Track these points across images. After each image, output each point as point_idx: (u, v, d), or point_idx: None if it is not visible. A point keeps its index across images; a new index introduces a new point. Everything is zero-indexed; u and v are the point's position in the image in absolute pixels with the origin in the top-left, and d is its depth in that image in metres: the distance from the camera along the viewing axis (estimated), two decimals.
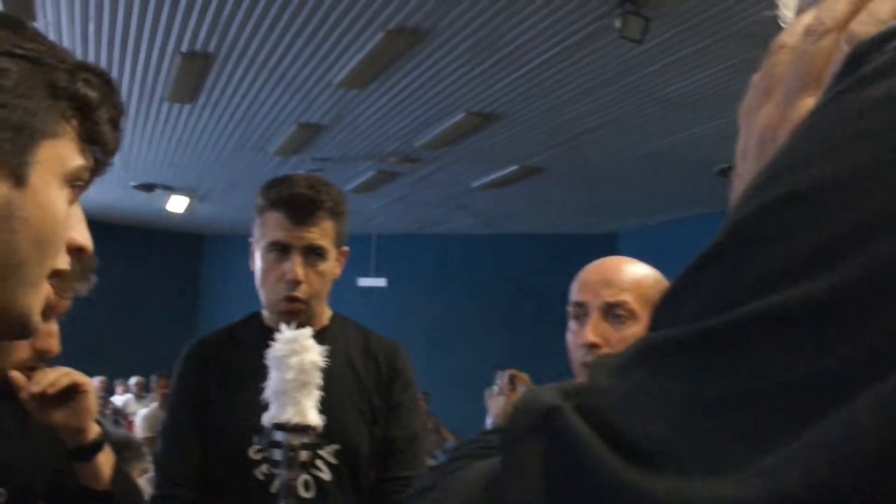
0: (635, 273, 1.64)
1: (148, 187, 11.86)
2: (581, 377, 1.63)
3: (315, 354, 1.49)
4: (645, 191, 10.41)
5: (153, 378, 9.96)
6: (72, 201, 0.86)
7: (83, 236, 0.87)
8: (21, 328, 0.83)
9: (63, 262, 0.86)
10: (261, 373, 1.91)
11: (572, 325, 1.67)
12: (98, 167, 0.88)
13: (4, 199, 0.77)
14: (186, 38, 6.50)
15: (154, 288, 15.36)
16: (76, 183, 0.85)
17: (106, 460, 1.59)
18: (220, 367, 1.97)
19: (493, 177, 9.95)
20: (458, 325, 13.42)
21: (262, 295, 1.96)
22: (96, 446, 1.57)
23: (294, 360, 1.46)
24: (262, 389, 1.85)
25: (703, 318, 0.35)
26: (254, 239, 2.01)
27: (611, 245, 13.61)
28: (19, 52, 0.79)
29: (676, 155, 8.59)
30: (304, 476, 1.80)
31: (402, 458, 1.94)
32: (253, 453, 1.85)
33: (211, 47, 6.67)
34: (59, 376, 1.49)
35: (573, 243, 13.46)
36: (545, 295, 13.38)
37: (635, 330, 1.58)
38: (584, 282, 1.66)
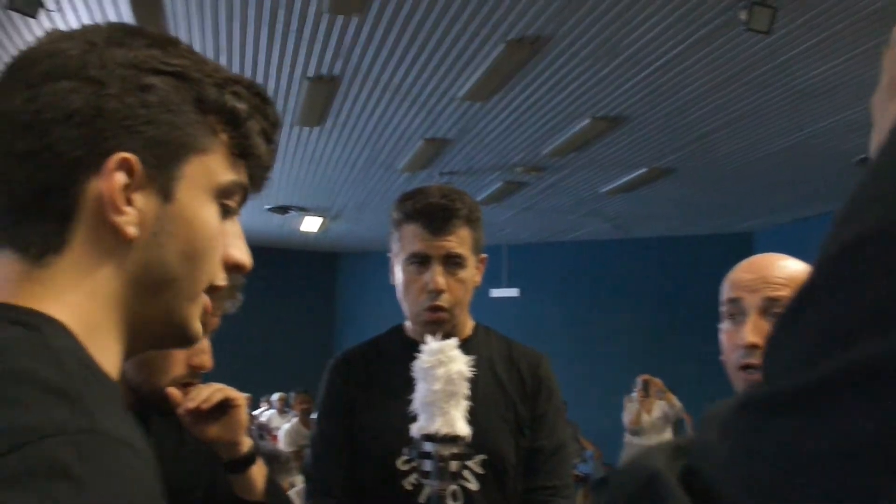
0: (791, 269, 1.58)
1: (282, 209, 12.21)
2: (737, 380, 1.58)
3: (461, 364, 1.50)
4: (780, 187, 10.08)
5: (291, 395, 10.20)
6: (227, 217, 0.86)
7: (241, 253, 0.88)
8: (182, 337, 0.86)
9: (220, 277, 0.87)
10: (406, 385, 1.94)
11: (726, 325, 1.61)
12: (254, 182, 0.88)
13: (155, 215, 0.79)
14: (312, 62, 6.67)
15: (291, 307, 15.79)
16: (229, 199, 0.86)
17: (259, 472, 1.64)
18: (366, 379, 2.01)
19: (622, 181, 9.83)
20: (592, 332, 13.27)
21: (405, 307, 1.98)
22: (249, 459, 1.62)
23: (441, 371, 1.47)
24: (407, 401, 1.88)
25: (797, 372, 0.34)
26: (392, 253, 2.04)
27: (747, 245, 13.20)
28: (166, 68, 0.80)
29: (811, 148, 8.29)
30: (453, 486, 1.81)
31: (549, 468, 1.93)
32: (401, 464, 1.88)
33: (336, 70, 6.82)
34: (212, 392, 1.55)
35: (707, 245, 13.14)
36: (680, 299, 13.13)
37: None
38: (739, 279, 1.60)
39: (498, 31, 5.94)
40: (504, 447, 1.89)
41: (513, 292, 13.75)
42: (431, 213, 1.91)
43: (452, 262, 1.92)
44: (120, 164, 0.76)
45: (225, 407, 1.56)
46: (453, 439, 1.45)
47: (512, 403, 1.94)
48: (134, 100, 0.78)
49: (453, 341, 1.56)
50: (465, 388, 1.50)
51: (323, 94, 7.30)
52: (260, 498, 1.63)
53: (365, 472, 1.95)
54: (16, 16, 5.64)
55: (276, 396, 10.76)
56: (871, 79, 6.58)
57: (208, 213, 0.83)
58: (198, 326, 0.87)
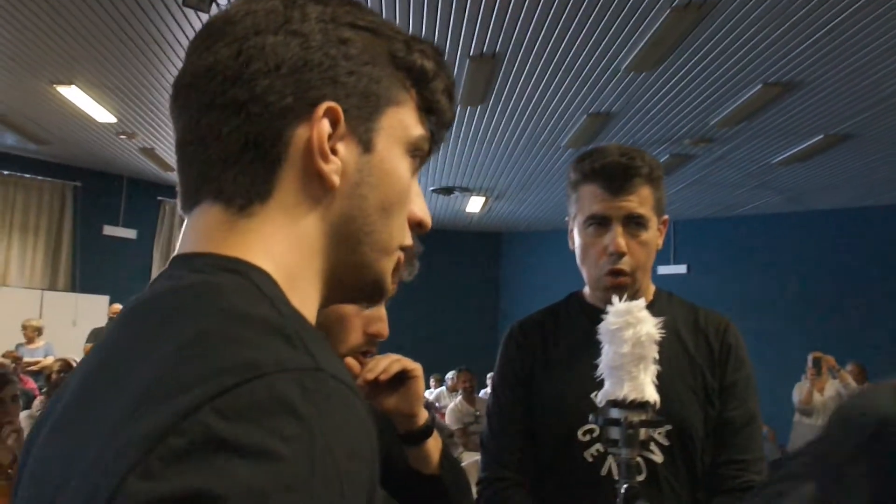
0: None
1: (447, 190, 12.32)
2: None
3: (650, 326, 1.44)
4: None
5: (452, 374, 10.29)
6: (413, 173, 0.87)
7: (423, 211, 0.87)
8: (375, 290, 0.87)
9: (408, 237, 0.88)
10: (585, 352, 1.88)
11: None
12: (435, 141, 0.89)
13: (356, 165, 0.80)
14: (473, 41, 6.67)
15: (456, 287, 15.95)
16: (416, 153, 0.86)
17: (435, 445, 1.63)
18: (544, 347, 1.96)
19: (796, 150, 9.38)
20: (763, 309, 12.77)
21: (585, 272, 1.92)
22: (426, 431, 1.61)
23: (629, 333, 1.41)
24: (587, 369, 1.83)
25: None
26: (570, 216, 1.98)
27: None
28: (361, 23, 0.82)
29: None
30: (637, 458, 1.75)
31: (739, 441, 1.83)
32: (581, 434, 1.83)
33: (498, 47, 6.80)
34: (390, 363, 1.54)
35: (889, 216, 12.42)
36: (859, 274, 12.46)
37: None
38: None
39: None
40: (691, 418, 1.80)
41: (680, 269, 13.41)
42: (611, 172, 1.83)
43: (634, 223, 1.84)
44: (326, 112, 0.78)
45: (402, 378, 1.55)
46: (642, 405, 1.39)
47: (699, 372, 1.85)
48: (336, 52, 0.80)
49: (641, 302, 1.50)
50: (654, 352, 1.43)
51: (485, 72, 7.29)
52: (435, 471, 1.61)
53: (543, 443, 1.90)
54: (190, 12, 5.88)
55: (450, 374, 10.89)
56: None
57: (403, 166, 0.85)
58: (389, 282, 0.88)
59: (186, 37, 6.72)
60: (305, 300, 0.78)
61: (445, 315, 15.58)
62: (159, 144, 10.52)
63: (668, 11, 5.96)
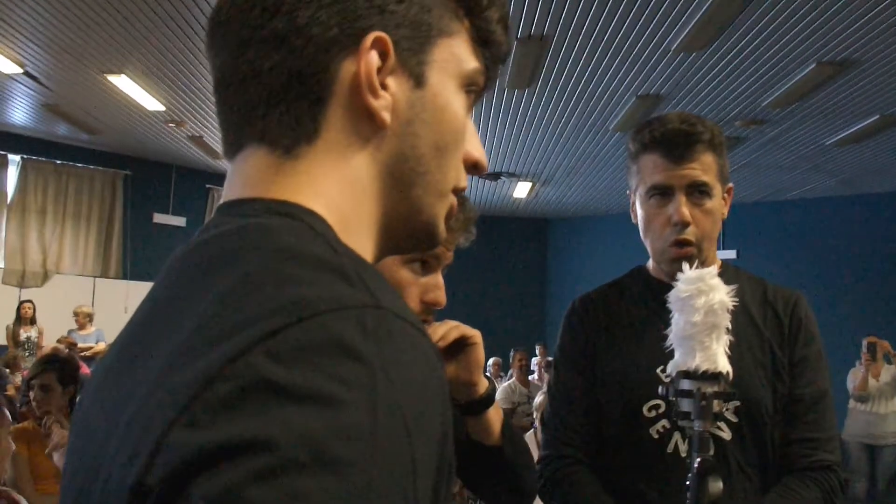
0: None
1: (494, 175, 12.27)
2: None
3: (723, 294, 1.39)
4: None
5: (510, 354, 10.26)
6: (468, 110, 0.82)
7: (478, 151, 0.83)
8: (429, 236, 0.81)
9: (463, 178, 0.83)
10: (650, 326, 1.84)
11: None
12: (489, 76, 0.83)
13: (407, 101, 0.75)
14: (521, 23, 6.60)
15: (504, 273, 15.92)
16: (471, 88, 0.81)
17: (496, 415, 1.59)
18: (607, 322, 1.91)
19: (850, 131, 9.18)
20: (816, 296, 12.53)
21: (649, 244, 1.87)
22: (487, 400, 1.57)
23: (700, 301, 1.37)
24: (652, 344, 1.79)
25: None
26: (631, 189, 1.93)
27: None
28: None
29: None
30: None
31: (810, 419, 1.77)
32: (647, 411, 1.79)
33: (545, 30, 6.73)
34: (448, 329, 1.50)
35: None
36: None
37: None
38: None
39: None
40: (761, 394, 1.75)
41: (730, 254, 13.22)
42: (671, 139, 1.78)
43: (697, 192, 1.78)
44: (374, 43, 0.73)
45: (462, 345, 1.51)
46: (714, 376, 1.34)
47: (769, 346, 1.80)
48: None
49: (713, 269, 1.45)
50: (726, 321, 1.38)
51: (533, 54, 7.22)
52: (496, 442, 1.58)
53: (607, 419, 1.87)
54: None
55: (491, 361, 10.88)
56: None
57: (458, 102, 0.79)
58: (443, 228, 0.82)
59: None
60: (359, 247, 0.73)
61: (492, 302, 15.54)
62: (207, 132, 10.59)
63: None
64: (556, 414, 1.96)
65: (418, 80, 0.75)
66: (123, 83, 8.51)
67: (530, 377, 10.12)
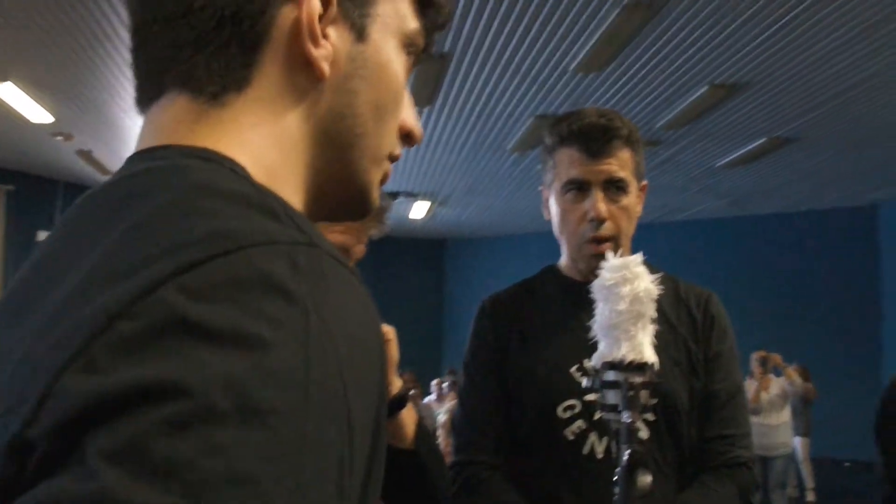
0: None
1: (391, 195, 12.22)
2: None
3: (648, 282, 1.35)
4: None
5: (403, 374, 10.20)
6: (407, 73, 0.76)
7: (413, 119, 0.77)
8: (360, 204, 0.76)
9: (398, 146, 0.77)
10: (564, 326, 1.80)
11: None
12: (427, 41, 0.78)
13: (348, 55, 0.69)
14: None
15: (400, 295, 15.85)
16: (411, 49, 0.76)
17: (409, 418, 1.53)
18: (519, 322, 1.86)
19: (740, 153, 9.47)
20: None
21: (563, 240, 1.83)
22: (400, 401, 1.51)
23: (626, 290, 1.33)
24: (566, 344, 1.75)
25: None
26: (544, 185, 1.89)
27: (871, 218, 12.70)
28: None
29: None
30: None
31: (725, 415, 1.76)
32: (562, 412, 1.74)
33: (446, 47, 6.73)
34: None
35: (829, 220, 12.67)
36: (801, 277, 12.67)
37: None
38: None
39: None
40: (677, 391, 1.73)
41: None
42: (589, 133, 1.75)
43: (614, 188, 1.75)
44: None
45: None
46: (641, 367, 1.30)
47: (683, 343, 1.78)
48: None
49: (638, 257, 1.41)
50: (652, 310, 1.35)
51: (433, 72, 7.21)
52: (409, 445, 1.51)
53: (520, 423, 1.81)
54: None
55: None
56: None
57: (398, 61, 0.74)
58: (376, 196, 0.77)
59: (127, 32, 6.53)
60: None
61: (390, 324, 15.43)
62: (98, 147, 10.25)
63: (618, 10, 5.93)
64: (467, 418, 1.89)
65: (360, 34, 0.70)
66: (8, 91, 8.15)
67: (427, 399, 10.07)
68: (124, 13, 6.11)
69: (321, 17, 0.67)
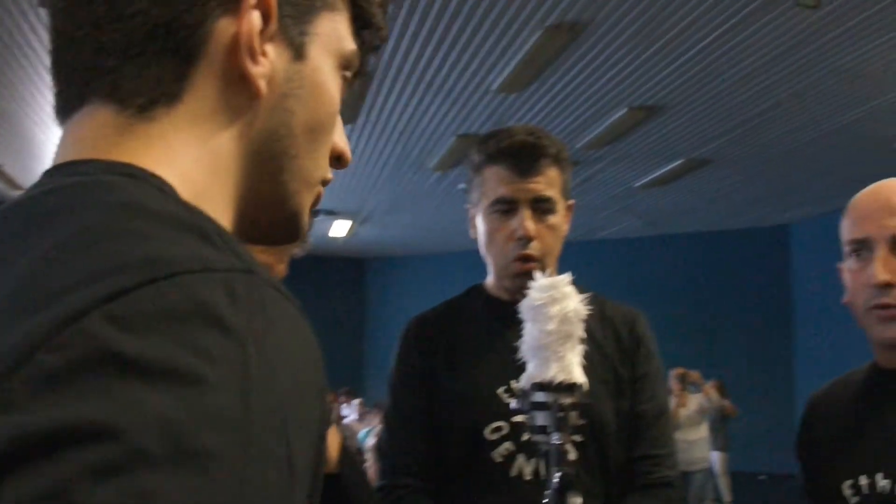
0: None
1: (312, 213, 12.11)
2: (869, 321, 1.43)
3: (577, 303, 1.34)
4: (819, 175, 9.89)
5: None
6: (342, 95, 0.74)
7: (344, 141, 0.75)
8: (291, 229, 0.73)
9: (328, 171, 0.74)
10: (490, 346, 1.79)
11: (852, 263, 1.46)
12: (363, 63, 0.76)
13: (285, 73, 0.66)
14: None
15: (320, 314, 15.69)
16: (347, 70, 0.73)
17: (333, 439, 1.50)
18: (446, 341, 1.84)
19: (657, 174, 9.65)
20: None
21: (490, 259, 1.82)
22: None
23: (555, 310, 1.32)
24: (493, 364, 1.73)
25: None
26: (471, 203, 1.87)
27: (783, 238, 13.07)
28: None
29: (853, 133, 8.11)
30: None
31: (651, 435, 1.76)
32: (489, 433, 1.72)
33: (368, 65, 6.70)
34: None
35: (742, 239, 12.99)
36: (715, 296, 12.95)
37: None
38: (862, 212, 1.46)
39: (536, 17, 5.79)
40: (604, 412, 1.72)
41: None
42: (518, 151, 1.74)
43: (542, 207, 1.75)
44: (258, 3, 0.63)
45: None
46: (570, 388, 1.29)
47: (610, 363, 1.78)
48: None
49: (566, 276, 1.40)
50: (580, 330, 1.34)
51: (356, 89, 7.18)
52: (333, 468, 1.48)
53: (447, 445, 1.78)
54: (46, 13, 5.55)
55: None
56: None
57: (334, 83, 0.71)
58: (307, 220, 0.74)
59: (41, 41, 6.34)
60: None
61: None
62: (8, 161, 9.94)
63: (540, 32, 6.00)
64: (393, 440, 1.86)
65: (298, 52, 0.67)
66: None
67: (347, 420, 10.00)
68: (37, 21, 5.95)
69: (260, 33, 0.64)
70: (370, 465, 6.26)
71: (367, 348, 15.80)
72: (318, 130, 0.70)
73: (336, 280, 16.13)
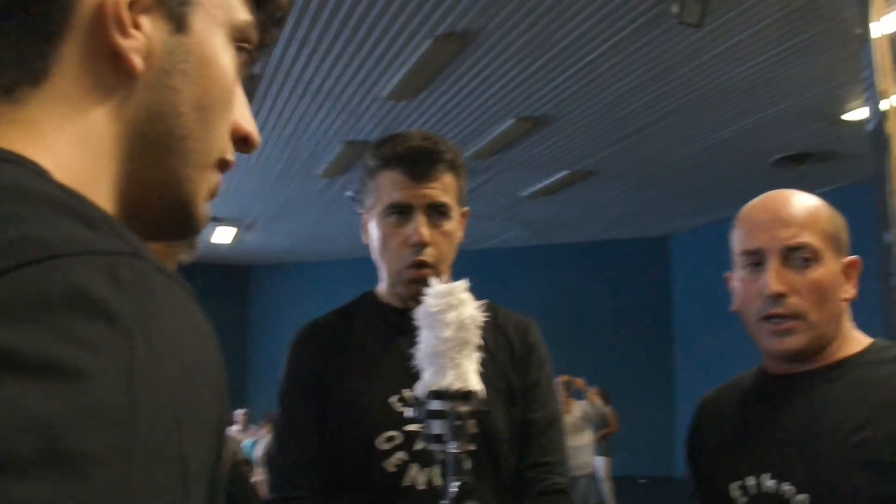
0: (810, 207, 1.47)
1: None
2: (760, 332, 1.46)
3: (473, 309, 1.33)
4: (698, 188, 10.21)
5: None
6: (238, 70, 0.68)
7: (250, 122, 0.69)
8: (185, 220, 0.66)
9: (229, 151, 0.68)
10: (383, 355, 1.75)
11: (743, 274, 1.48)
12: (263, 37, 0.70)
13: (165, 47, 0.60)
14: None
15: None
16: (242, 44, 0.67)
17: None
18: (337, 350, 1.80)
19: (543, 184, 9.79)
20: None
21: (384, 265, 1.78)
22: None
23: (451, 316, 1.29)
24: (386, 373, 1.70)
25: None
26: (365, 208, 1.83)
27: (663, 249, 13.44)
28: None
29: (733, 147, 8.40)
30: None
31: (543, 443, 1.76)
32: (382, 443, 1.69)
33: (255, 68, 6.59)
34: None
35: (624, 250, 13.29)
36: (601, 305, 13.22)
37: (821, 272, 1.41)
38: (754, 223, 1.48)
39: (426, 26, 5.80)
40: (497, 420, 1.71)
41: None
42: (414, 156, 1.71)
43: (437, 213, 1.72)
44: None
45: None
46: (466, 395, 1.27)
47: (502, 371, 1.76)
48: None
49: (463, 283, 1.38)
50: (477, 337, 1.32)
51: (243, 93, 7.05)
52: None
53: (339, 455, 1.74)
54: None
55: None
56: (793, 77, 6.75)
57: (226, 56, 0.65)
58: (203, 210, 0.67)
59: None
60: None
61: None
62: None
63: (430, 41, 6.01)
64: (283, 452, 1.80)
65: (179, 24, 0.61)
66: None
67: (231, 429, 9.79)
68: None
69: (132, 5, 0.58)
70: (259, 477, 6.14)
71: (251, 357, 15.51)
72: (209, 108, 0.64)
73: (219, 288, 15.79)
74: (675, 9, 5.30)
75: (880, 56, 3.73)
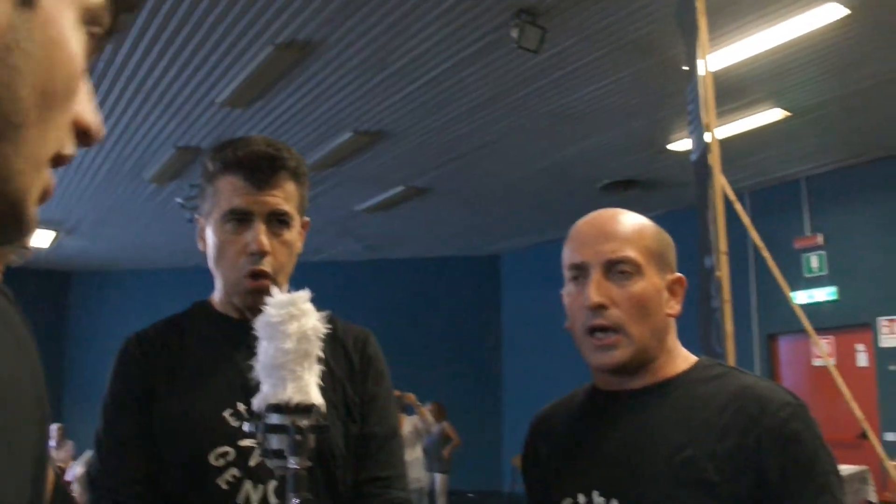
0: (634, 224, 1.52)
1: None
2: (585, 346, 1.49)
3: (315, 320, 1.29)
4: (529, 210, 10.47)
5: None
6: (86, 56, 0.61)
7: (92, 113, 0.63)
8: (14, 219, 0.59)
9: (70, 145, 0.61)
10: (217, 366, 1.69)
11: (570, 287, 1.52)
12: (113, 22, 0.63)
13: (7, 21, 0.54)
14: None
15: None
16: (93, 26, 0.61)
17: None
18: (168, 363, 1.71)
19: (378, 199, 9.80)
20: None
21: (220, 274, 1.71)
22: None
23: (293, 327, 1.25)
24: (219, 386, 1.64)
25: None
26: (203, 213, 1.76)
27: (494, 266, 13.69)
28: None
29: (564, 171, 8.66)
30: (273, 482, 1.58)
31: (382, 457, 1.73)
32: (214, 459, 1.62)
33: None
34: None
35: (456, 266, 13.47)
36: (434, 321, 13.33)
37: (641, 286, 1.46)
38: (580, 239, 1.53)
39: (267, 33, 5.71)
40: (334, 435, 1.67)
41: None
42: (255, 162, 1.65)
43: (277, 221, 1.67)
44: None
45: None
46: (307, 409, 1.23)
47: (340, 385, 1.73)
48: None
49: (305, 293, 1.34)
50: (318, 349, 1.28)
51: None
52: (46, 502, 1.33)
53: (168, 471, 1.65)
54: None
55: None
56: (623, 107, 7.04)
57: (75, 39, 0.59)
58: (34, 209, 0.60)
59: None
60: None
61: None
62: None
63: (271, 48, 5.91)
64: (106, 469, 1.70)
65: None
66: None
67: None
68: None
69: None
70: (77, 495, 5.82)
71: (68, 368, 14.77)
72: (52, 95, 0.57)
73: (35, 293, 14.96)
74: (514, 34, 5.44)
75: (705, 91, 3.93)
